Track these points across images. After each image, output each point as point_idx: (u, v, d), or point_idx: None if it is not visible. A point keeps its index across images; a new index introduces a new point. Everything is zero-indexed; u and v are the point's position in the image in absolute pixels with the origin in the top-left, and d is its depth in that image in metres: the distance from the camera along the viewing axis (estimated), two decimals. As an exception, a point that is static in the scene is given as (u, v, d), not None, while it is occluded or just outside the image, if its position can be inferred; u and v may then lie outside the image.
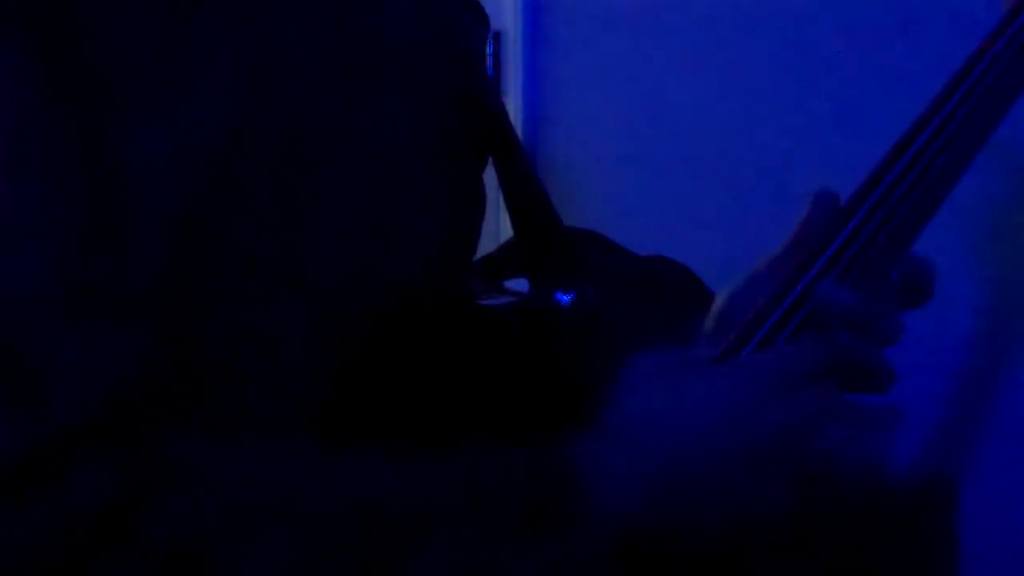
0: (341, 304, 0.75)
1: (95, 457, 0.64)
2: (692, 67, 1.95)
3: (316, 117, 0.74)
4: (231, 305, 0.70)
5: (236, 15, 0.71)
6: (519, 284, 0.94)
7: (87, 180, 0.66)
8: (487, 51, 0.94)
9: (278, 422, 0.73)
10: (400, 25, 0.81)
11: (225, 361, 0.71)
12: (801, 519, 0.81)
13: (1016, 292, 1.66)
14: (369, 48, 0.78)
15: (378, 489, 0.70)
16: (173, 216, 0.67)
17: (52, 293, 0.65)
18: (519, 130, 2.14)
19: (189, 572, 0.65)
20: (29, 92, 0.66)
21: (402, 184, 0.79)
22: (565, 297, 0.86)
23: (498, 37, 2.17)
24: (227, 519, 0.66)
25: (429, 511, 0.69)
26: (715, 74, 1.92)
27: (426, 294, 0.80)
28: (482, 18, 0.94)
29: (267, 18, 0.73)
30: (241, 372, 0.71)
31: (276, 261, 0.72)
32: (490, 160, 0.94)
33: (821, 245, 0.81)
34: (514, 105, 2.15)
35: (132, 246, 0.66)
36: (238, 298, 0.70)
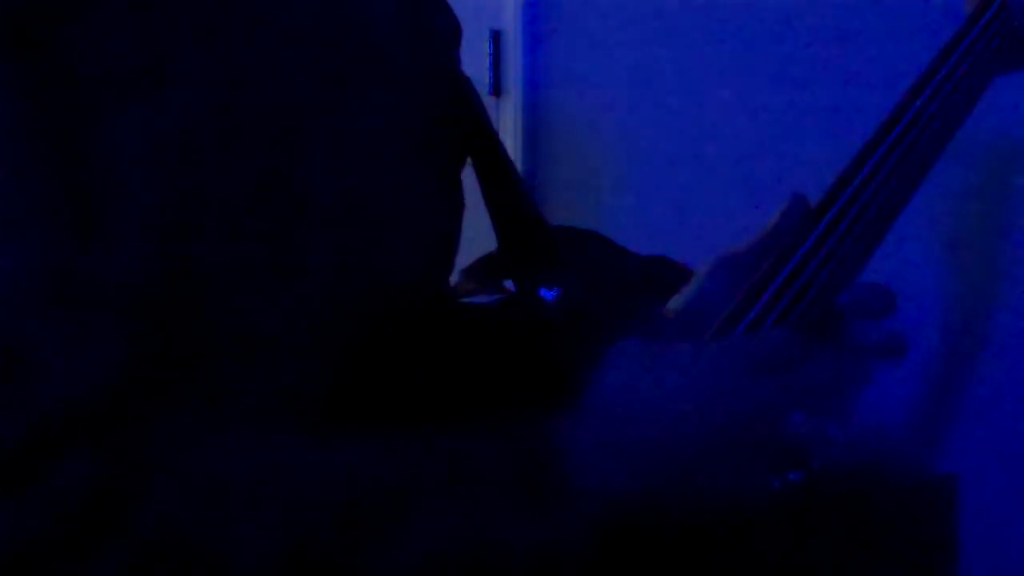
0: (326, 299, 0.75)
1: (82, 448, 0.64)
2: (692, 67, 1.95)
3: (297, 114, 0.74)
4: (216, 297, 0.71)
5: (215, 13, 0.72)
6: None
7: (66, 175, 0.66)
8: (459, 53, 0.95)
9: (265, 411, 0.73)
10: (378, 27, 0.82)
11: (211, 352, 0.71)
12: (793, 510, 0.82)
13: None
14: (348, 49, 0.79)
15: (363, 471, 0.70)
16: (155, 210, 0.68)
17: (35, 287, 0.65)
18: (519, 130, 2.15)
19: (177, 560, 0.65)
20: (4, 89, 0.66)
21: (384, 183, 0.80)
22: (550, 294, 0.87)
23: (498, 37, 2.17)
24: (214, 507, 0.67)
25: (414, 491, 0.70)
26: (715, 73, 1.92)
27: (409, 290, 0.81)
28: (454, 20, 0.96)
29: (246, 17, 0.73)
30: (227, 362, 0.72)
31: (261, 255, 0.72)
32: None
33: (797, 241, 0.83)
34: (514, 105, 2.15)
35: (115, 240, 0.67)
36: (223, 290, 0.71)
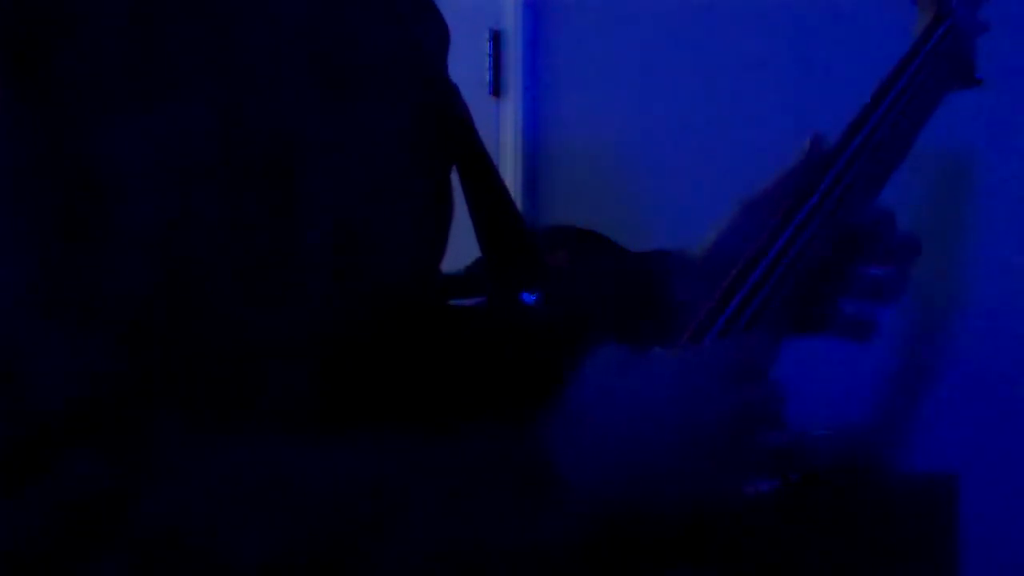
0: (321, 304, 0.76)
1: (82, 451, 0.65)
2: (692, 66, 1.95)
3: (294, 125, 0.75)
4: (214, 304, 0.71)
5: (212, 25, 0.72)
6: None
7: (62, 185, 0.67)
8: (447, 58, 0.96)
9: (262, 414, 0.74)
10: (370, 38, 0.83)
11: (209, 356, 0.72)
12: (792, 509, 0.84)
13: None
14: (343, 59, 0.80)
15: (356, 473, 0.71)
16: (153, 220, 0.68)
17: (32, 295, 0.66)
18: (519, 130, 2.15)
19: (176, 560, 0.66)
20: (2, 100, 0.67)
21: (377, 190, 0.81)
22: (530, 298, 0.88)
23: (498, 37, 2.17)
24: (212, 508, 0.67)
25: (405, 493, 0.71)
26: (715, 73, 1.92)
27: (401, 294, 0.81)
28: (443, 26, 0.96)
29: (244, 29, 0.74)
30: (225, 367, 0.72)
31: (258, 264, 0.73)
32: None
33: (770, 241, 0.86)
34: (514, 105, 2.15)
35: (112, 249, 0.67)
36: (220, 297, 0.71)
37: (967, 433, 1.66)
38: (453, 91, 0.93)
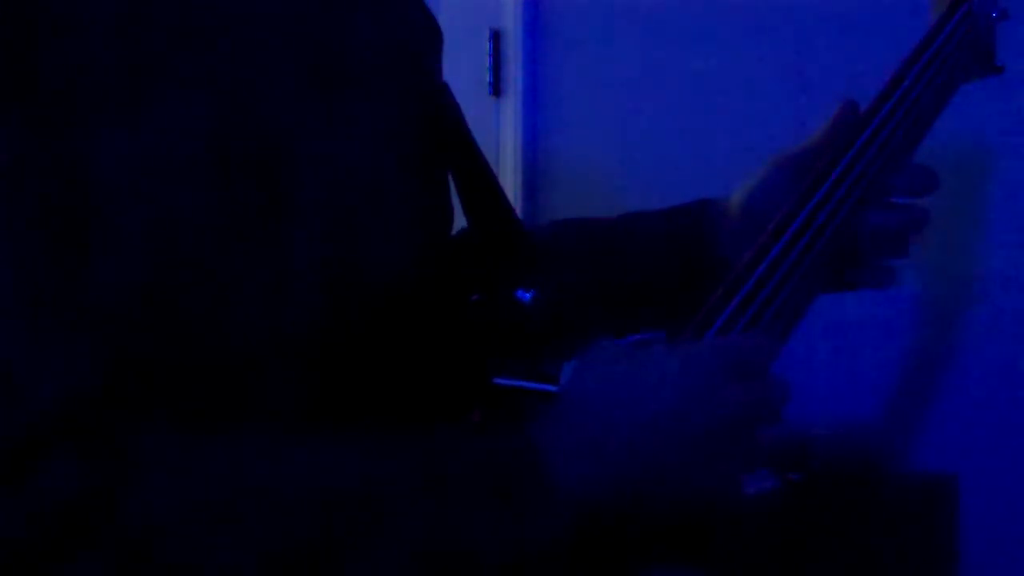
0: (314, 306, 0.76)
1: (60, 455, 0.65)
2: (692, 67, 1.95)
3: (284, 127, 0.75)
4: (204, 307, 0.71)
5: (202, 26, 0.72)
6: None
7: (51, 187, 0.67)
8: (441, 59, 0.96)
9: (250, 417, 0.74)
10: (364, 40, 0.83)
11: (198, 359, 0.71)
12: (791, 509, 0.83)
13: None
14: (336, 62, 0.80)
15: (341, 473, 0.71)
16: (143, 222, 0.68)
17: (15, 298, 0.65)
18: (519, 130, 2.15)
19: (155, 565, 0.65)
20: None
21: (370, 191, 0.81)
22: (526, 295, 0.89)
23: (498, 37, 2.17)
24: (193, 511, 0.67)
25: (392, 493, 0.71)
26: (715, 74, 1.92)
27: (397, 296, 0.81)
28: (437, 30, 0.96)
29: (234, 30, 0.74)
30: (214, 370, 0.72)
31: (249, 266, 0.73)
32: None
33: (847, 143, 0.90)
34: (514, 105, 2.15)
35: (101, 251, 0.67)
36: (211, 300, 0.71)
37: (967, 433, 1.66)
38: (445, 92, 0.93)
